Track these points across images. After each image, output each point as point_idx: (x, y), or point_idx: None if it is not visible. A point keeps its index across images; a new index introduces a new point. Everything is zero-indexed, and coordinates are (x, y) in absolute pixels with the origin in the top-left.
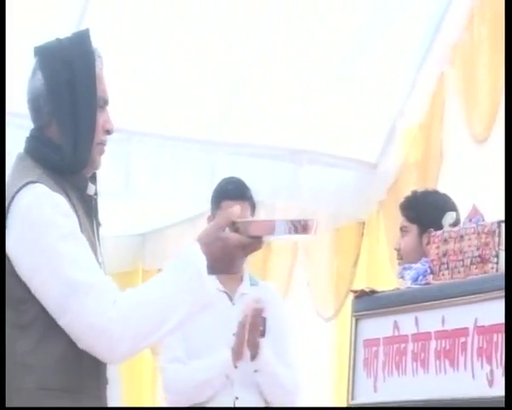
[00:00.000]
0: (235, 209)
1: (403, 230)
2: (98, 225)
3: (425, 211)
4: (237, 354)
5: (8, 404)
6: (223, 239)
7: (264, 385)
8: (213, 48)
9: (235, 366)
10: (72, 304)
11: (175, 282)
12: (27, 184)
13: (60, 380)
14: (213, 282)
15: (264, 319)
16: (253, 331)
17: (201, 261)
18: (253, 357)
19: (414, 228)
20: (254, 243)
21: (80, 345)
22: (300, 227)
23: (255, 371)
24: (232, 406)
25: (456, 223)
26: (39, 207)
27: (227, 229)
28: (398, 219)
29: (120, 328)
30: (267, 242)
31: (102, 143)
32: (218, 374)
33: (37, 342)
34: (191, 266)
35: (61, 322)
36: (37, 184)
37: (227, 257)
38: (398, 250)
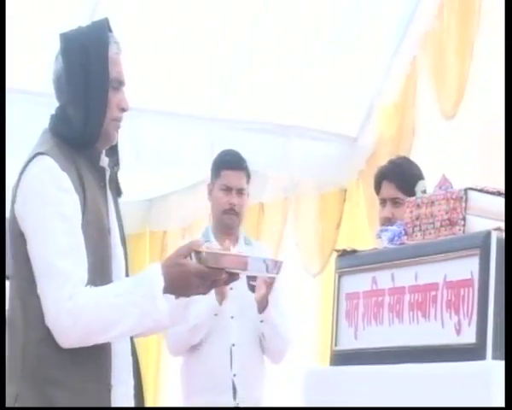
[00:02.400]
0: (198, 241)
1: (396, 201)
2: (119, 193)
3: (412, 182)
4: (220, 294)
5: (22, 350)
6: (181, 265)
7: (266, 334)
8: (213, 36)
9: (221, 305)
10: (42, 282)
11: (129, 294)
12: (37, 155)
13: None
14: (165, 305)
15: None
16: (268, 287)
17: (158, 281)
18: (263, 309)
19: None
20: (215, 273)
21: (45, 320)
22: (275, 269)
23: (261, 321)
24: (229, 351)
25: (424, 190)
26: (41, 180)
27: (193, 255)
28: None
29: (70, 321)
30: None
31: (117, 120)
32: (206, 316)
33: None
34: (147, 283)
35: (38, 291)
36: (45, 156)
37: (183, 281)
38: (390, 218)
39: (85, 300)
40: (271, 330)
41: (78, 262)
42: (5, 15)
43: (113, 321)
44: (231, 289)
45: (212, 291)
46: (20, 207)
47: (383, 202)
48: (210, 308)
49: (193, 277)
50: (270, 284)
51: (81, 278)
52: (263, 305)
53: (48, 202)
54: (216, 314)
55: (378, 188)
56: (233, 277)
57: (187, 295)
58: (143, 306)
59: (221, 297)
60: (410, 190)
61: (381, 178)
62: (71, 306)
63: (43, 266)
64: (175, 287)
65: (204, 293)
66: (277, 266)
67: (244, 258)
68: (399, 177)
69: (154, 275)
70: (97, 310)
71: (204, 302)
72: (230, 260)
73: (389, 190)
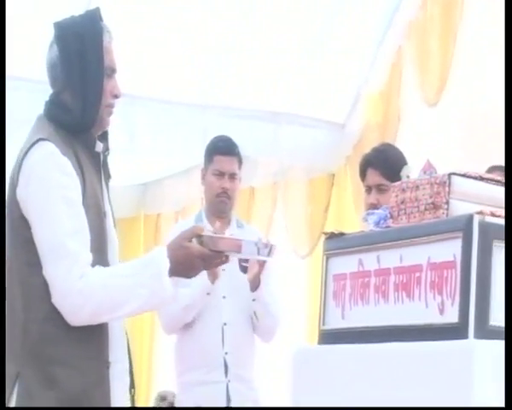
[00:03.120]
0: (201, 226)
1: (381, 188)
2: (108, 177)
3: (396, 168)
4: (212, 274)
5: (23, 330)
6: (185, 248)
7: (258, 312)
8: (205, 26)
9: (213, 283)
10: (49, 263)
11: (137, 276)
12: (38, 140)
13: None
14: (171, 286)
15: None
16: (260, 266)
17: (164, 263)
18: (256, 287)
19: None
20: (215, 256)
21: (51, 298)
22: (267, 251)
23: (253, 299)
24: (221, 330)
25: (408, 175)
26: (44, 165)
27: (194, 240)
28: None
29: (81, 300)
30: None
31: (110, 106)
32: (199, 295)
33: (45, 278)
34: (154, 265)
35: (43, 272)
36: (46, 142)
37: (187, 263)
38: (376, 205)
39: (96, 280)
40: (263, 308)
41: (84, 243)
42: (5, 12)
43: (122, 301)
44: (223, 270)
45: (205, 271)
46: (23, 192)
47: (368, 188)
48: (203, 288)
49: (196, 259)
50: (262, 263)
51: (88, 259)
52: (255, 284)
53: (52, 185)
54: (208, 293)
55: (363, 175)
56: (227, 259)
57: (189, 276)
58: (151, 286)
59: (213, 277)
60: (394, 177)
61: (366, 165)
62: (82, 285)
63: (50, 247)
64: (179, 269)
65: (199, 272)
66: (269, 248)
67: (238, 241)
68: (384, 164)
69: (160, 257)
70: (107, 290)
71: (196, 282)
72: (227, 243)
73: (374, 177)
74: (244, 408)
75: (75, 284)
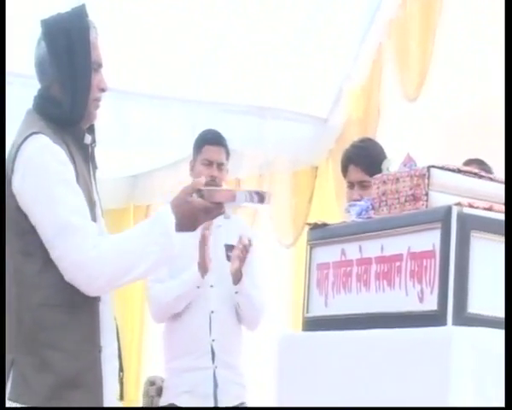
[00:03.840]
0: (201, 179)
1: (364, 184)
2: (95, 168)
3: (378, 163)
4: (203, 268)
5: (17, 318)
6: (189, 202)
7: (241, 303)
8: (193, 25)
9: (203, 277)
10: (59, 242)
11: (147, 235)
12: (31, 134)
13: (58, 297)
14: (178, 240)
15: (232, 247)
16: (241, 262)
17: (170, 220)
18: (237, 281)
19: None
20: (216, 207)
21: (65, 277)
22: (257, 197)
23: (236, 292)
24: (208, 318)
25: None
26: (40, 155)
27: (194, 195)
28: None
29: (98, 267)
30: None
31: (97, 100)
32: (190, 288)
33: (41, 267)
34: (161, 223)
35: (52, 256)
36: (40, 135)
37: (192, 217)
38: (359, 200)
39: (108, 246)
40: (245, 300)
41: (87, 217)
42: (5, 14)
43: (136, 262)
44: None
45: (196, 264)
46: (19, 184)
47: (351, 185)
48: (193, 281)
49: (199, 212)
50: (242, 258)
51: (95, 230)
52: (237, 277)
53: (50, 171)
54: (198, 287)
55: (345, 171)
56: (223, 210)
57: (194, 228)
58: (161, 243)
59: (204, 271)
60: (375, 172)
61: (348, 162)
62: (96, 254)
63: (57, 229)
64: (184, 222)
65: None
66: (261, 196)
67: (233, 192)
68: (365, 160)
69: (166, 214)
70: (120, 254)
71: (187, 274)
72: (223, 195)
73: (356, 173)
74: (246, 408)
75: (89, 255)
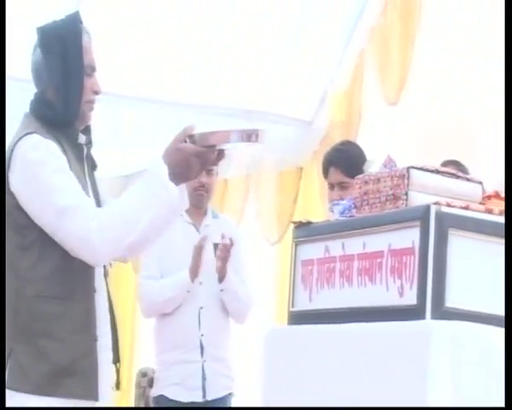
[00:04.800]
0: (192, 125)
1: (343, 185)
2: (94, 167)
3: (357, 165)
4: (194, 273)
5: (14, 310)
6: (180, 149)
7: (227, 300)
8: (183, 31)
9: (193, 282)
10: (63, 222)
11: (143, 190)
12: (26, 134)
13: (54, 289)
14: (175, 188)
15: (229, 248)
16: (223, 261)
17: (163, 170)
18: (221, 279)
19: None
20: (208, 151)
21: (72, 254)
22: (254, 136)
23: (221, 290)
24: (197, 314)
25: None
26: (35, 150)
27: (187, 141)
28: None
29: (99, 236)
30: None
31: (91, 102)
32: (180, 291)
33: (36, 260)
34: (155, 175)
35: (57, 238)
36: (34, 134)
37: (184, 163)
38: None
39: (107, 213)
40: (231, 296)
41: (84, 196)
42: (5, 12)
43: (135, 219)
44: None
45: (187, 269)
46: (17, 180)
47: (331, 186)
48: (183, 285)
49: (192, 157)
50: (223, 257)
51: (93, 204)
52: (221, 276)
53: (45, 163)
54: (189, 291)
55: (326, 173)
56: (219, 156)
57: (188, 177)
58: (157, 195)
59: (194, 275)
60: (355, 174)
61: (328, 164)
62: (97, 224)
63: (58, 211)
64: (178, 171)
65: (197, 175)
66: (255, 134)
67: (227, 132)
68: (345, 163)
69: (158, 165)
70: (120, 216)
71: (178, 277)
72: (216, 137)
73: (336, 175)
74: (244, 408)
75: (91, 227)
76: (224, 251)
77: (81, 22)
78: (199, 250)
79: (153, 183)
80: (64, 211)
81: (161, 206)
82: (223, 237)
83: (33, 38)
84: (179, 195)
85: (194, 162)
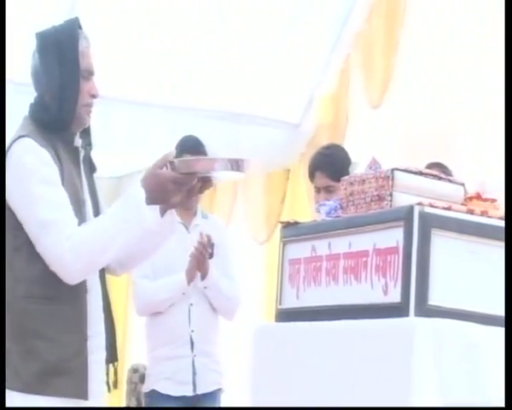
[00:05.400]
0: (171, 152)
1: (329, 189)
2: (93, 170)
3: (342, 169)
4: (190, 276)
5: (7, 310)
6: (157, 174)
7: (211, 298)
8: (173, 37)
9: (189, 285)
10: (40, 239)
11: (118, 213)
12: (19, 137)
13: (44, 290)
14: (151, 212)
15: (212, 245)
16: (203, 259)
17: (140, 194)
18: (203, 277)
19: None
20: (186, 178)
21: (50, 268)
22: (237, 165)
23: (204, 287)
24: (188, 311)
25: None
26: (25, 157)
27: (168, 165)
28: None
29: (72, 256)
30: (210, 180)
31: (89, 105)
32: (176, 293)
33: (27, 261)
34: (131, 198)
35: (37, 250)
36: (26, 138)
37: (160, 188)
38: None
39: (82, 233)
40: (215, 293)
41: (67, 213)
42: (5, 15)
43: (109, 240)
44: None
45: (183, 265)
46: (8, 182)
47: (318, 189)
48: (180, 288)
49: (169, 183)
50: (200, 256)
51: (74, 222)
52: (203, 273)
53: (34, 172)
54: (184, 293)
55: (312, 177)
56: (206, 185)
57: (166, 201)
58: (131, 218)
59: (190, 278)
60: (340, 177)
61: (314, 169)
62: (69, 244)
63: (38, 225)
64: (155, 196)
65: (182, 202)
66: (241, 163)
67: (212, 160)
68: (330, 168)
69: (135, 189)
70: (93, 237)
71: (175, 278)
72: (201, 164)
73: (322, 179)
74: (245, 408)
75: (64, 247)
76: (201, 248)
77: (80, 27)
78: (197, 254)
79: (127, 207)
80: (42, 226)
81: (134, 229)
82: (201, 235)
83: (26, 40)
84: (155, 218)
85: (171, 188)
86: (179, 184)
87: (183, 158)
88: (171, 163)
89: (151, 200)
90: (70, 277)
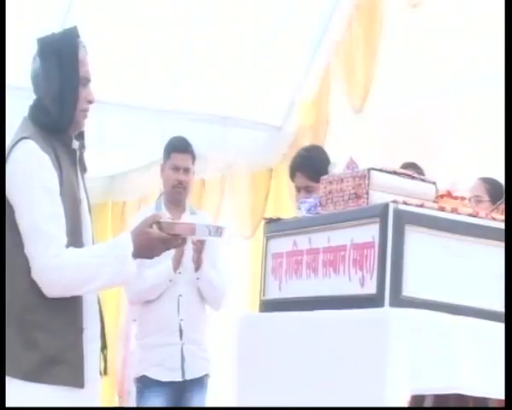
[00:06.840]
0: (162, 213)
1: (309, 189)
2: (85, 170)
3: (321, 170)
4: (176, 264)
5: (9, 302)
6: (147, 233)
7: (202, 288)
8: (162, 41)
9: (175, 272)
10: (29, 243)
11: (104, 257)
12: (21, 139)
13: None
14: (134, 265)
15: (203, 241)
16: (197, 252)
17: (128, 246)
18: (197, 269)
19: (317, 184)
20: (173, 239)
21: (31, 274)
22: (214, 231)
23: (197, 278)
24: (177, 300)
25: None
26: (26, 160)
27: (154, 226)
28: None
29: (56, 276)
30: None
31: (85, 111)
32: (163, 279)
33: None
34: (119, 248)
35: (24, 250)
36: (29, 140)
37: (148, 246)
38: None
39: (68, 259)
40: (206, 285)
41: (59, 227)
42: (5, 15)
43: (91, 278)
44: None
45: (170, 259)
46: (7, 183)
47: (298, 189)
48: (167, 275)
49: (156, 242)
50: (198, 249)
51: (63, 241)
52: (197, 266)
53: (33, 177)
54: (171, 280)
55: (293, 177)
56: (184, 241)
57: (151, 257)
58: (116, 266)
59: (176, 265)
60: (319, 177)
61: (294, 170)
62: (56, 263)
63: (30, 230)
64: (142, 251)
65: (160, 253)
66: (219, 230)
67: (192, 225)
68: (310, 169)
69: (125, 241)
70: (78, 268)
71: (162, 267)
72: (182, 228)
73: (302, 179)
74: (246, 408)
75: (50, 262)
76: (198, 243)
77: (78, 36)
78: (197, 248)
79: (115, 254)
80: (34, 231)
81: (116, 277)
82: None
83: (19, 43)
84: (134, 272)
85: (158, 246)
86: (166, 243)
87: (168, 221)
88: (158, 223)
89: (138, 254)
90: (47, 290)
